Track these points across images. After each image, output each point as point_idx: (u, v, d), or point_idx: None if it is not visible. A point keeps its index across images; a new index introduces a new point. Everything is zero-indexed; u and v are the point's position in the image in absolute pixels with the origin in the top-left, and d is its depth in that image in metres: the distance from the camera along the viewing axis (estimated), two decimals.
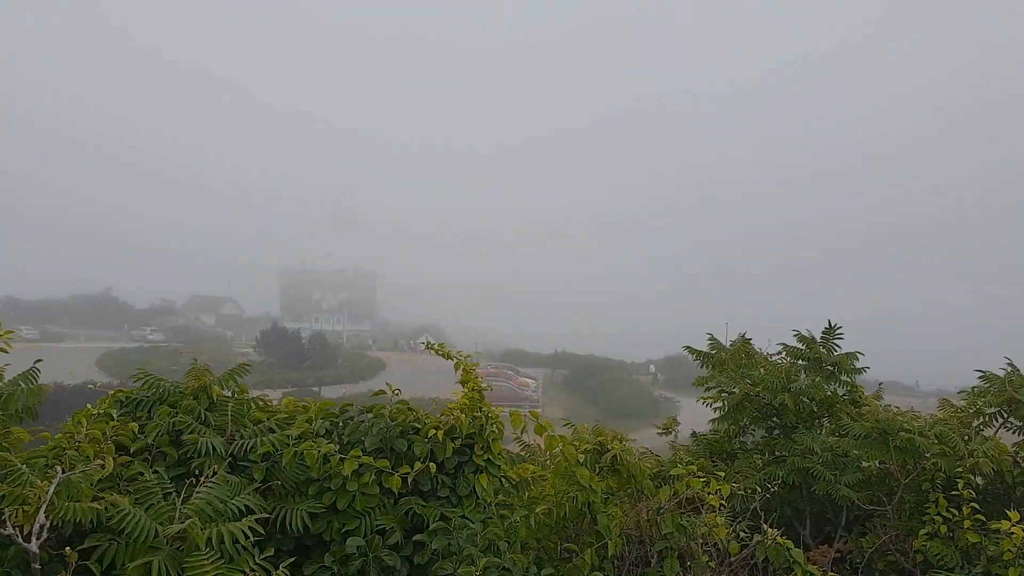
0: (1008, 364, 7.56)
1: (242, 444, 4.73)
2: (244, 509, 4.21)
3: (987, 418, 7.41)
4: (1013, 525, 5.84)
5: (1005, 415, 7.32)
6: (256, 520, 4.17)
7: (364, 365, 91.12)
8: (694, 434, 8.86)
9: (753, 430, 8.32)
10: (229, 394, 5.26)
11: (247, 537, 3.92)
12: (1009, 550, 5.85)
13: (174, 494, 4.15)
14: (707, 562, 5.78)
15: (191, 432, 4.68)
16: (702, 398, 8.28)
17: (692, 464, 7.00)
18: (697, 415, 9.16)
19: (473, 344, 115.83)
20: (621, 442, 9.93)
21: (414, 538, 4.53)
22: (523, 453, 7.46)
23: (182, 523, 3.83)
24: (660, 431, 10.13)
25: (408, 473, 4.66)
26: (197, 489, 4.15)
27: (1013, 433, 7.49)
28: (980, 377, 7.56)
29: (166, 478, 4.31)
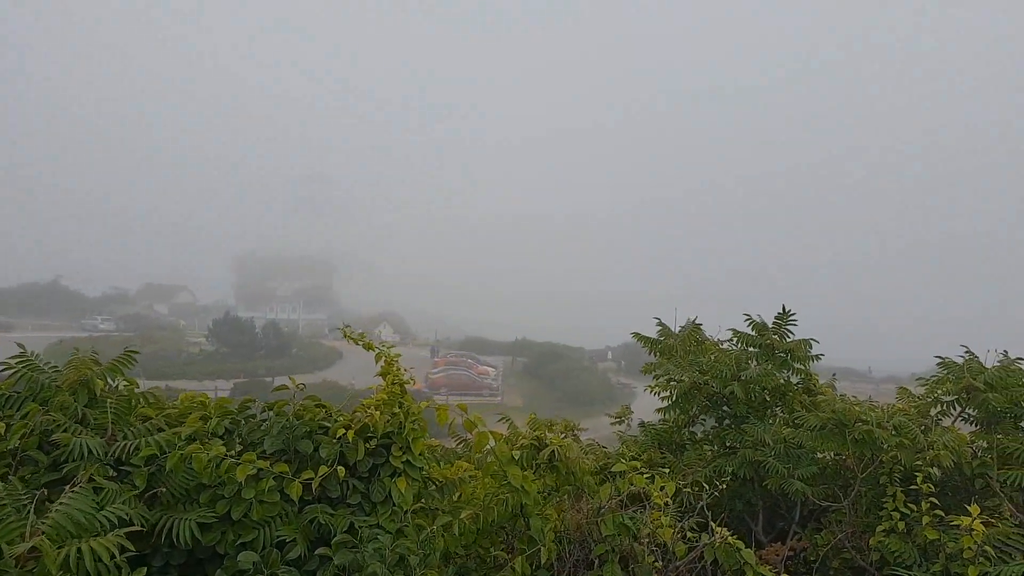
0: (966, 352, 7.26)
1: (124, 445, 4.15)
2: (117, 521, 3.65)
3: (945, 407, 7.11)
4: (973, 520, 5.51)
5: (963, 404, 7.01)
6: (135, 532, 3.64)
7: (319, 354, 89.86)
8: (642, 424, 8.46)
9: (703, 419, 7.94)
10: (118, 388, 4.66)
11: (113, 556, 3.37)
12: (969, 548, 5.53)
13: (30, 506, 3.56)
14: (653, 563, 5.36)
15: (63, 432, 4.08)
16: (650, 387, 7.87)
17: (637, 459, 6.60)
18: (655, 403, 8.78)
19: (433, 332, 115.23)
20: (572, 432, 9.53)
21: (317, 551, 4.00)
22: (459, 449, 6.98)
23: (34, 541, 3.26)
24: (613, 420, 9.77)
25: (312, 478, 4.13)
26: (60, 499, 3.58)
27: (969, 423, 7.20)
28: (938, 364, 7.24)
29: (19, 488, 3.71)
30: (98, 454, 4.05)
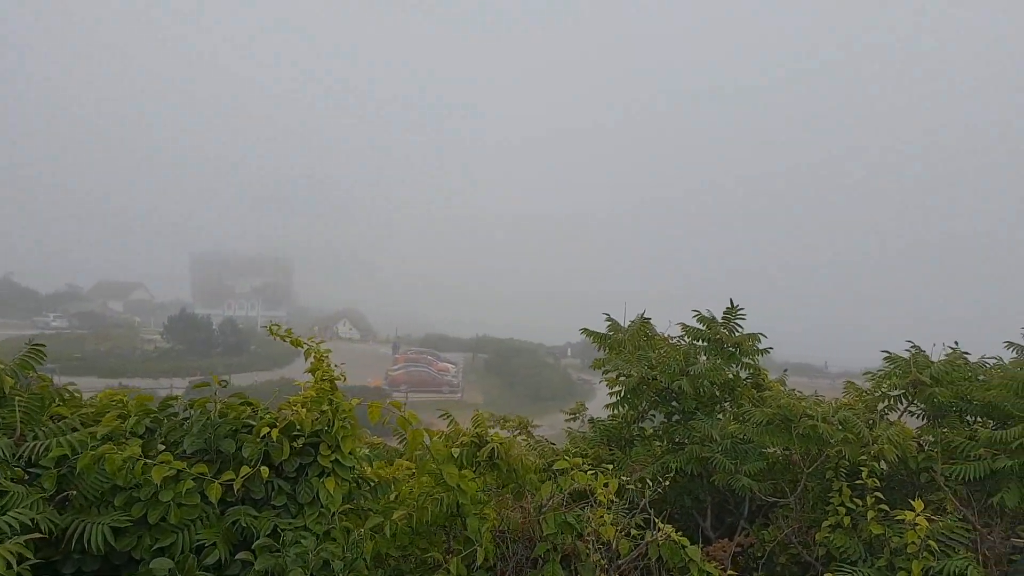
0: (912, 346, 7.26)
1: (34, 446, 3.92)
2: (20, 527, 3.43)
3: (892, 401, 7.10)
4: (917, 515, 5.48)
5: (910, 398, 7.01)
6: (44, 538, 3.43)
7: (278, 352, 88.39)
8: (592, 420, 8.35)
9: (653, 415, 7.86)
10: (29, 386, 4.40)
11: (10, 564, 3.15)
12: (913, 542, 5.50)
13: None
14: (597, 561, 5.23)
15: None
16: (607, 380, 7.76)
17: (583, 456, 6.49)
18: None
19: (393, 329, 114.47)
20: (526, 428, 9.37)
21: (237, 556, 3.80)
22: (402, 447, 6.81)
23: None
24: (567, 417, 9.67)
25: (233, 479, 3.92)
26: None
27: (918, 417, 7.21)
28: (885, 359, 7.23)
29: None
30: (4, 455, 3.82)
